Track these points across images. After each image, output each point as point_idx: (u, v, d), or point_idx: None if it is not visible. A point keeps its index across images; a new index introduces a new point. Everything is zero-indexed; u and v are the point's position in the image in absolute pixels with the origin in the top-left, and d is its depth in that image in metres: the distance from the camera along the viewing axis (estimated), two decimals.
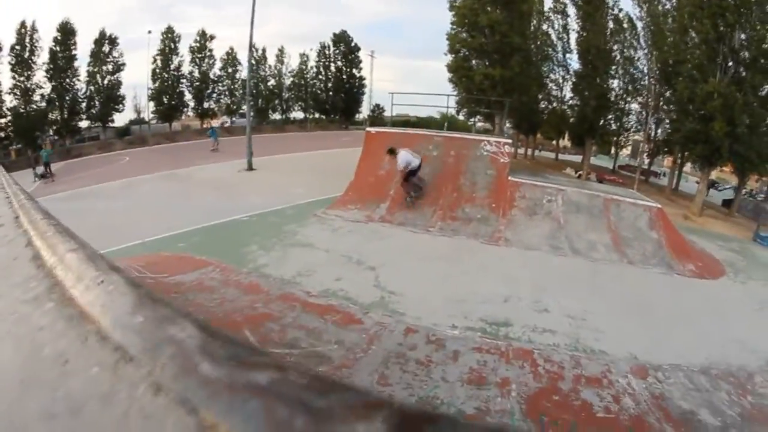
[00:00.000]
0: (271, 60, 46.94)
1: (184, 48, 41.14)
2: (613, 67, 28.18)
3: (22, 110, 31.92)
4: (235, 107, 44.75)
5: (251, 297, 5.79)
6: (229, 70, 44.08)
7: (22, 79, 32.05)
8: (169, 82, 40.21)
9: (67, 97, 34.54)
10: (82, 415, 0.49)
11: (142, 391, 0.48)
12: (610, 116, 29.28)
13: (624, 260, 8.77)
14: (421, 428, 0.37)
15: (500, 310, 5.99)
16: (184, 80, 41.47)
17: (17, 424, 0.53)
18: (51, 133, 34.44)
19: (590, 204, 9.97)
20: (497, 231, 9.58)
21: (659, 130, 28.16)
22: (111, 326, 0.64)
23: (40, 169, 21.32)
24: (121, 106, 38.18)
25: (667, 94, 25.02)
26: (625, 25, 28.18)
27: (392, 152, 10.18)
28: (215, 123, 40.37)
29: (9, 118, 31.59)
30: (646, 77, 27.84)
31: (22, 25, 32.06)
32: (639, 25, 27.72)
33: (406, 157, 9.94)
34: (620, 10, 28.06)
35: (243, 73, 43.47)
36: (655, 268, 8.59)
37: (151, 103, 40.02)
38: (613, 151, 38.05)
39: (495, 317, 5.77)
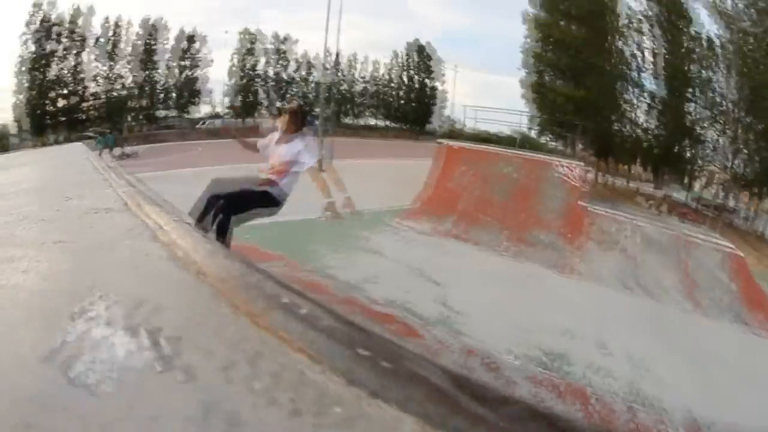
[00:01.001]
0: (344, 65, 47.82)
1: (259, 49, 42.83)
2: (691, 90, 26.69)
3: (104, 96, 34.95)
4: (307, 109, 45.61)
5: (314, 296, 5.96)
6: (303, 73, 45.33)
7: (105, 68, 35.11)
8: (245, 81, 41.98)
9: (147, 88, 37.28)
10: None
11: (408, 429, 0.48)
12: (686, 143, 27.75)
13: (696, 308, 8.35)
14: None
15: (561, 344, 5.93)
16: (259, 79, 43.11)
17: None
18: (129, 119, 37.33)
19: (666, 243, 9.55)
20: (567, 260, 9.37)
21: (737, 161, 26.29)
22: (327, 360, 0.61)
23: (117, 151, 23.04)
24: (197, 99, 40.53)
25: (749, 120, 23.38)
26: (704, 44, 26.49)
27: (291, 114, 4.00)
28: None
29: (91, 102, 34.61)
30: (726, 102, 26.09)
31: (106, 19, 34.94)
32: (718, 43, 25.91)
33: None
34: (690, 21, 26.32)
35: (316, 76, 44.62)
36: (727, 321, 8.12)
37: (227, 99, 42.01)
38: (687, 181, 35.95)
39: (554, 350, 5.72)
